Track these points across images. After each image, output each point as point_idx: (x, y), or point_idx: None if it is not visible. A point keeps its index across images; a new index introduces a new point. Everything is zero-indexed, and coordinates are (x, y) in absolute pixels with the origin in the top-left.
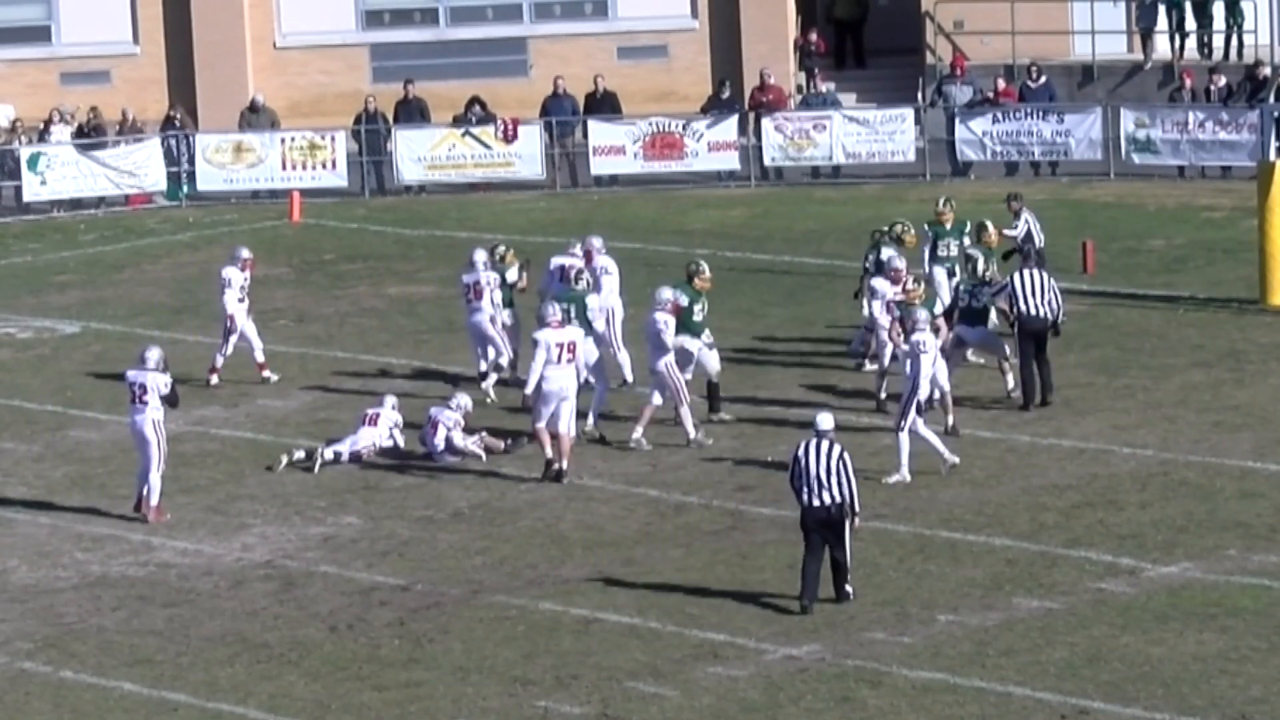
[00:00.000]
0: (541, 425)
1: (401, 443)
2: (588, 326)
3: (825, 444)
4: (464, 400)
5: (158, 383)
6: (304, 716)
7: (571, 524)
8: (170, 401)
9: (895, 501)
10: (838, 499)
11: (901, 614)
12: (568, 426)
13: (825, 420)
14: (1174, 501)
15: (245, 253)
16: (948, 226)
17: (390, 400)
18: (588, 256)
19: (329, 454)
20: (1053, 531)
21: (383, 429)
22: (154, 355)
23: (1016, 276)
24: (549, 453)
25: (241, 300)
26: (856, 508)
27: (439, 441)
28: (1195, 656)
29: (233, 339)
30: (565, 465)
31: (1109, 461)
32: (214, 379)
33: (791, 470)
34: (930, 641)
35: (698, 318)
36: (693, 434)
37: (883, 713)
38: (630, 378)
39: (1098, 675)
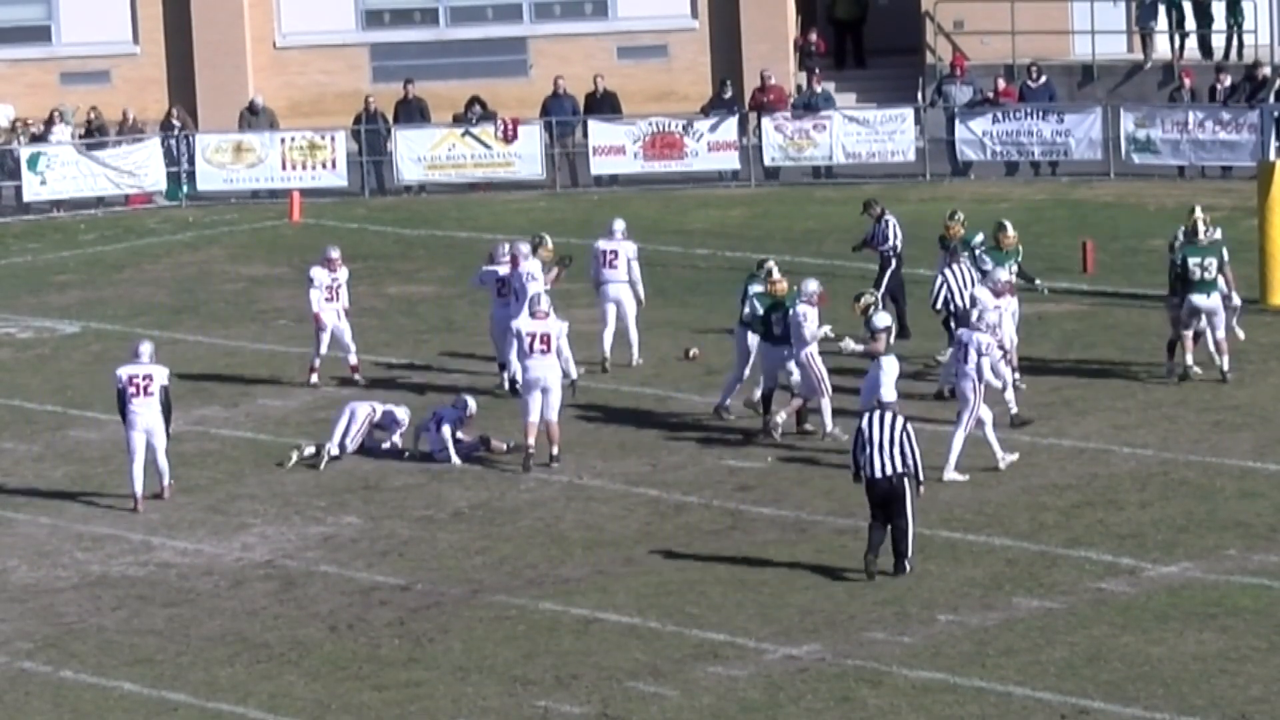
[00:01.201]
0: (533, 419)
1: (399, 441)
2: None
3: (889, 415)
4: (469, 402)
5: (162, 374)
6: (304, 716)
7: (571, 524)
8: (166, 397)
9: None
10: (899, 469)
11: (901, 614)
12: (554, 413)
13: (889, 393)
14: (1174, 501)
15: (334, 252)
16: (1004, 251)
17: (404, 411)
18: (514, 261)
19: (334, 450)
20: (1053, 531)
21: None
22: (147, 349)
23: (947, 271)
24: (530, 443)
25: (330, 300)
26: (921, 475)
27: (442, 438)
28: (1195, 656)
29: (324, 337)
30: (556, 450)
31: (1109, 461)
32: (313, 378)
33: (854, 442)
34: (930, 641)
35: (776, 331)
36: (829, 426)
37: (883, 712)
38: (574, 374)
39: (1098, 675)
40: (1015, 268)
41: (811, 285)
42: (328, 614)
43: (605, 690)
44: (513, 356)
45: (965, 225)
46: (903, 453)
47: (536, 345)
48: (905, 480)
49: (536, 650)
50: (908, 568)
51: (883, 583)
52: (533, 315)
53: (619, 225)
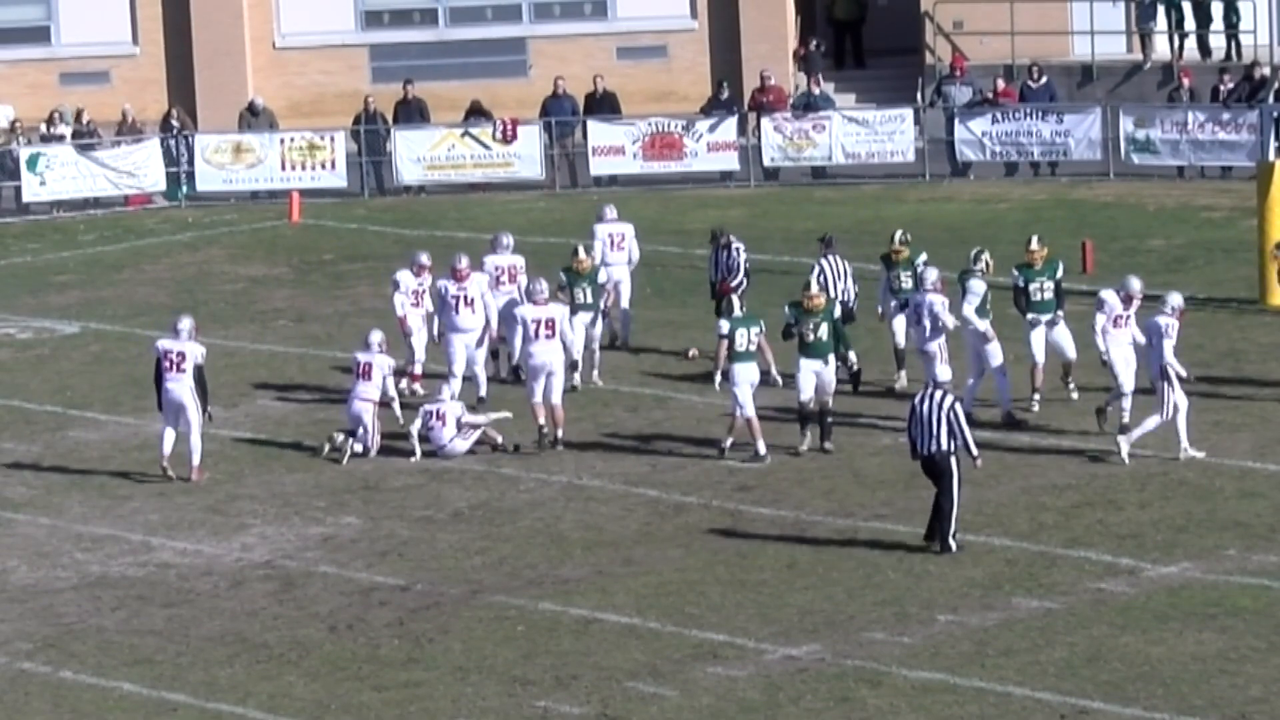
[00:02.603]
0: (537, 400)
1: (392, 391)
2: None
3: (939, 394)
4: (447, 389)
5: (195, 352)
6: (303, 716)
7: (571, 524)
8: (200, 375)
9: (895, 501)
10: (944, 447)
11: (901, 614)
12: (558, 397)
13: (943, 372)
14: (1173, 501)
15: (424, 258)
16: (1037, 267)
17: (376, 337)
18: (457, 275)
19: (358, 446)
20: (1052, 531)
21: (377, 379)
22: (187, 325)
23: (825, 262)
24: (541, 421)
25: (416, 305)
26: (974, 451)
27: (448, 431)
28: (1195, 656)
29: (415, 340)
30: (560, 433)
31: (1108, 461)
32: (416, 386)
33: (909, 418)
34: (930, 641)
35: (810, 339)
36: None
37: (882, 713)
38: (577, 357)
39: (1097, 675)
40: (1049, 286)
41: (933, 274)
42: (327, 614)
43: (605, 690)
44: (518, 341)
45: (910, 245)
46: (950, 432)
47: (542, 331)
48: (950, 459)
49: (536, 650)
50: (951, 547)
51: (882, 583)
52: (534, 302)
53: (612, 208)
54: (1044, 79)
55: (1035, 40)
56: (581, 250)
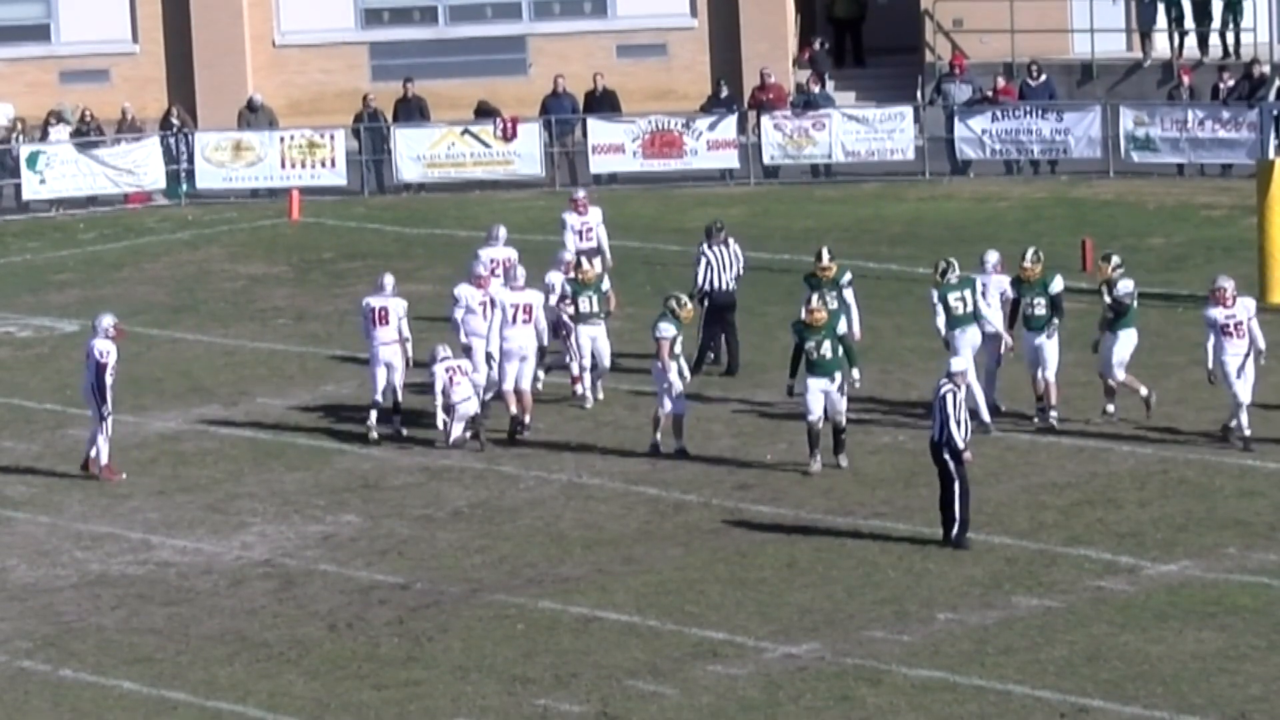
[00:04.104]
0: (508, 388)
1: (407, 332)
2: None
3: (940, 381)
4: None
5: (96, 350)
6: (303, 715)
7: (571, 522)
8: (97, 373)
9: (894, 500)
10: (936, 438)
11: (901, 612)
12: (528, 383)
13: (956, 363)
14: (1173, 500)
15: (480, 267)
16: (1031, 282)
17: (389, 281)
18: (480, 282)
19: (376, 422)
20: (1052, 530)
21: (394, 322)
22: (103, 322)
23: (710, 252)
24: (513, 410)
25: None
26: (958, 444)
27: (463, 390)
28: (1194, 655)
29: (478, 357)
30: (527, 419)
31: (1108, 460)
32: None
33: None
34: (929, 640)
35: (815, 356)
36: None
37: (882, 711)
38: (546, 342)
39: (1097, 673)
40: (1041, 302)
41: (994, 256)
42: (327, 613)
43: (604, 689)
44: (492, 326)
45: (836, 265)
46: (941, 424)
47: (520, 316)
48: (941, 450)
49: (536, 649)
50: (952, 537)
51: (882, 581)
52: (511, 287)
53: (583, 192)
54: (1044, 77)
55: (1035, 38)
56: (585, 260)
